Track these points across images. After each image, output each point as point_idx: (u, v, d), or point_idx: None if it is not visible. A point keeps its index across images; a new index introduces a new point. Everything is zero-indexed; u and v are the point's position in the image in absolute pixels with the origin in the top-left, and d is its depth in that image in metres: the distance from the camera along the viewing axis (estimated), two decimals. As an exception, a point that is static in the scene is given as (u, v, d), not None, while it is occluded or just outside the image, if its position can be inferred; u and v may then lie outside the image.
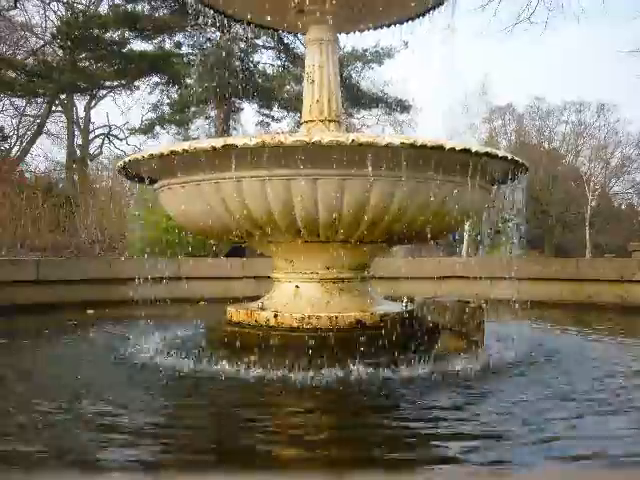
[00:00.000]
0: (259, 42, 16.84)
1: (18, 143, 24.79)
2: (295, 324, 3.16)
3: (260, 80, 16.64)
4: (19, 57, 20.65)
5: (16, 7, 20.59)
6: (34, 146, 25.03)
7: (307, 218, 2.95)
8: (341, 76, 3.92)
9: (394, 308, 3.43)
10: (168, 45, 17.57)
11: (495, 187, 3.63)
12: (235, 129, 18.28)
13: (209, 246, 7.72)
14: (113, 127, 27.20)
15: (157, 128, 18.60)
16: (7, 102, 22.99)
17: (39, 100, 21.73)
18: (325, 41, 3.74)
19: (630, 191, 34.77)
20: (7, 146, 23.43)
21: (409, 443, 1.98)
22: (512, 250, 3.86)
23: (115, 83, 19.18)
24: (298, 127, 4.01)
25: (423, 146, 2.72)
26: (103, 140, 27.51)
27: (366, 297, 3.47)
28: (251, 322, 3.31)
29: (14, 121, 24.53)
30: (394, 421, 2.21)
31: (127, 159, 3.25)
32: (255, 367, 2.88)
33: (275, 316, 3.22)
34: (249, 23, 4.19)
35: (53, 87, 16.41)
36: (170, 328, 4.13)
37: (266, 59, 18.65)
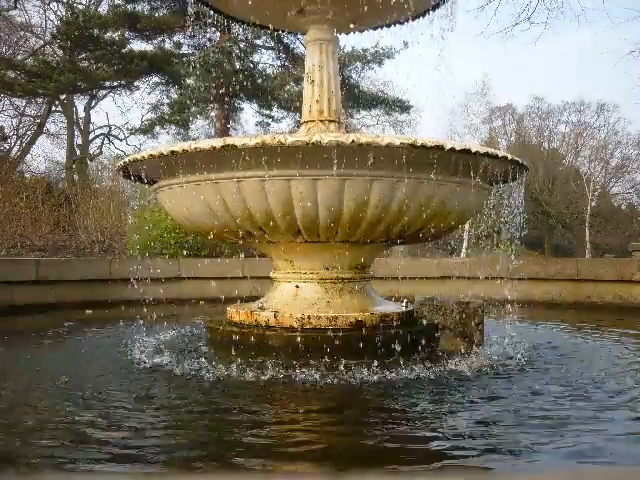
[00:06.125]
0: (259, 42, 16.84)
1: (18, 143, 24.80)
2: (295, 324, 3.16)
3: (260, 80, 16.61)
4: (19, 57, 20.66)
5: (16, 7, 20.61)
6: (34, 146, 25.05)
7: (307, 218, 2.95)
8: (341, 76, 3.92)
9: (394, 308, 3.43)
10: (168, 45, 17.58)
11: (495, 187, 3.63)
12: (235, 129, 18.29)
13: (209, 246, 7.72)
14: (113, 127, 27.18)
15: (157, 128, 18.57)
16: (7, 102, 23.02)
17: (39, 100, 21.73)
18: (325, 41, 3.74)
19: (630, 191, 34.75)
20: (7, 146, 23.42)
21: (407, 445, 1.98)
22: (512, 250, 3.85)
23: (115, 83, 19.14)
24: (298, 127, 4.01)
25: (423, 146, 2.72)
26: (103, 140, 27.49)
27: (366, 297, 3.47)
28: (251, 322, 3.31)
29: (14, 121, 24.53)
30: (394, 421, 2.21)
31: (127, 159, 3.25)
32: (254, 367, 2.88)
33: (275, 316, 3.22)
34: (249, 23, 4.19)
35: (53, 87, 16.36)
36: (170, 328, 4.13)
37: (266, 59, 18.57)
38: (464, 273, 6.48)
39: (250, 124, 32.27)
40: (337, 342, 3.00)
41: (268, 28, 4.29)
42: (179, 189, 3.22)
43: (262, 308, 3.33)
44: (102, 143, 27.40)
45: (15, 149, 24.18)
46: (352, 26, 4.03)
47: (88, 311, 5.35)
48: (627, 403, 2.41)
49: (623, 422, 2.18)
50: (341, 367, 2.87)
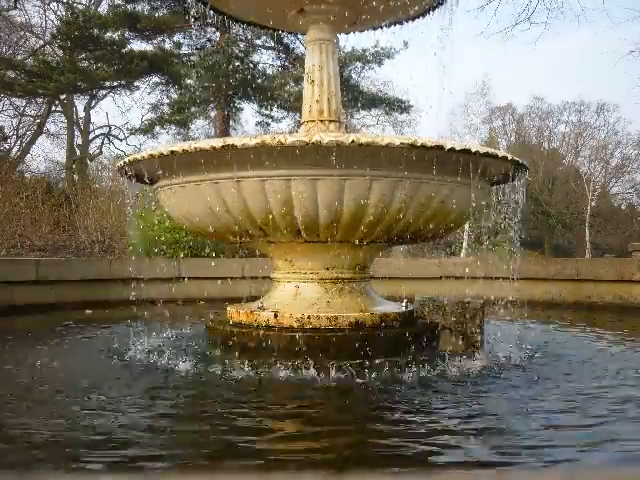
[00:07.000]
0: (259, 42, 16.83)
1: (18, 143, 24.81)
2: (295, 324, 3.16)
3: (260, 80, 16.61)
4: (19, 57, 20.67)
5: (16, 7, 20.62)
6: (34, 146, 25.08)
7: (307, 218, 2.95)
8: (341, 76, 3.92)
9: (394, 308, 3.43)
10: (168, 45, 17.58)
11: (495, 187, 3.63)
12: (235, 129, 18.27)
13: (210, 246, 7.72)
14: (113, 127, 27.21)
15: (157, 128, 18.55)
16: (7, 102, 23.04)
17: (39, 100, 21.75)
18: (325, 41, 3.74)
19: (630, 191, 34.77)
20: (7, 146, 23.42)
21: (406, 444, 1.98)
22: (512, 250, 3.85)
23: (115, 83, 19.15)
24: (298, 127, 4.01)
25: (423, 146, 2.72)
26: (103, 140, 27.51)
27: (366, 297, 3.47)
28: (251, 322, 3.31)
29: (14, 121, 24.55)
30: (393, 421, 2.21)
31: (127, 159, 3.25)
32: (254, 367, 2.89)
33: (275, 316, 3.22)
34: (249, 23, 4.19)
35: (53, 87, 16.36)
36: (170, 328, 4.13)
37: (266, 59, 18.57)
38: (464, 273, 6.47)
39: (250, 124, 32.29)
40: (337, 342, 3.00)
41: (268, 28, 4.29)
42: (179, 189, 3.22)
43: (262, 308, 3.33)
44: (102, 143, 27.45)
45: (15, 149, 24.22)
46: (352, 26, 4.03)
47: (88, 311, 5.35)
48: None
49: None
50: (341, 367, 2.87)
